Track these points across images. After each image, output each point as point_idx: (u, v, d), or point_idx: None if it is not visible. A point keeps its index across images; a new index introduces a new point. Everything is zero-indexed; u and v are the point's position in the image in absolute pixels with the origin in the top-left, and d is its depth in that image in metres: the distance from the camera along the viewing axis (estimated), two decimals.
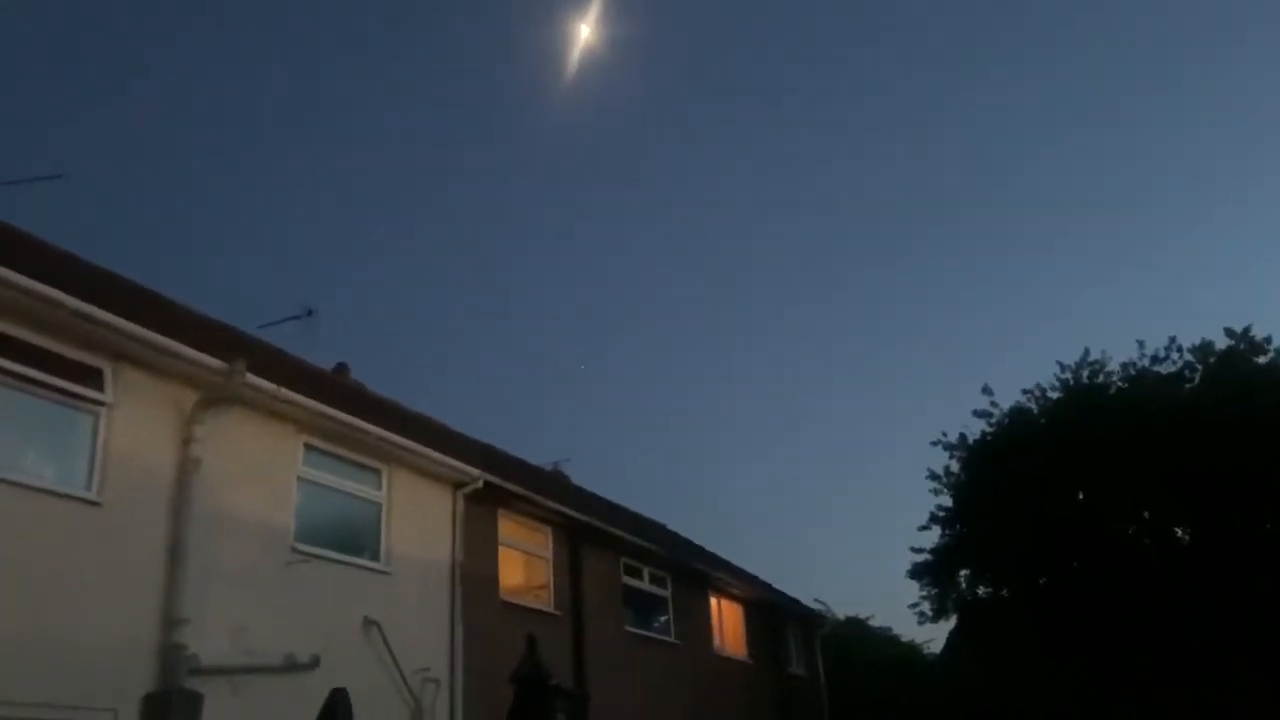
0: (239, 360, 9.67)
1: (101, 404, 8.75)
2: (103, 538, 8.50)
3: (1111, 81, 54.68)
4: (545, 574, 15.28)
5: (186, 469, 9.31)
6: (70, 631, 8.05)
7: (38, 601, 7.90)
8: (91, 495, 8.49)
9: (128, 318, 8.89)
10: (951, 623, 26.75)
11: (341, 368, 18.08)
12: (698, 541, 24.77)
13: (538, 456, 22.07)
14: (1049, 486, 23.07)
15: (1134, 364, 24.03)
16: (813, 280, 65.90)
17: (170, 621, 8.85)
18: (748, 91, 56.18)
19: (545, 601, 15.00)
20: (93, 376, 8.73)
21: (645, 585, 17.93)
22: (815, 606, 28.16)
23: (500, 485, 13.61)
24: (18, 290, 7.97)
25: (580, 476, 22.72)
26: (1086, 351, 24.62)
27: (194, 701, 8.61)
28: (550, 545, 15.36)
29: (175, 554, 9.03)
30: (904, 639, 34.72)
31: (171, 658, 8.73)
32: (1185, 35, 50.48)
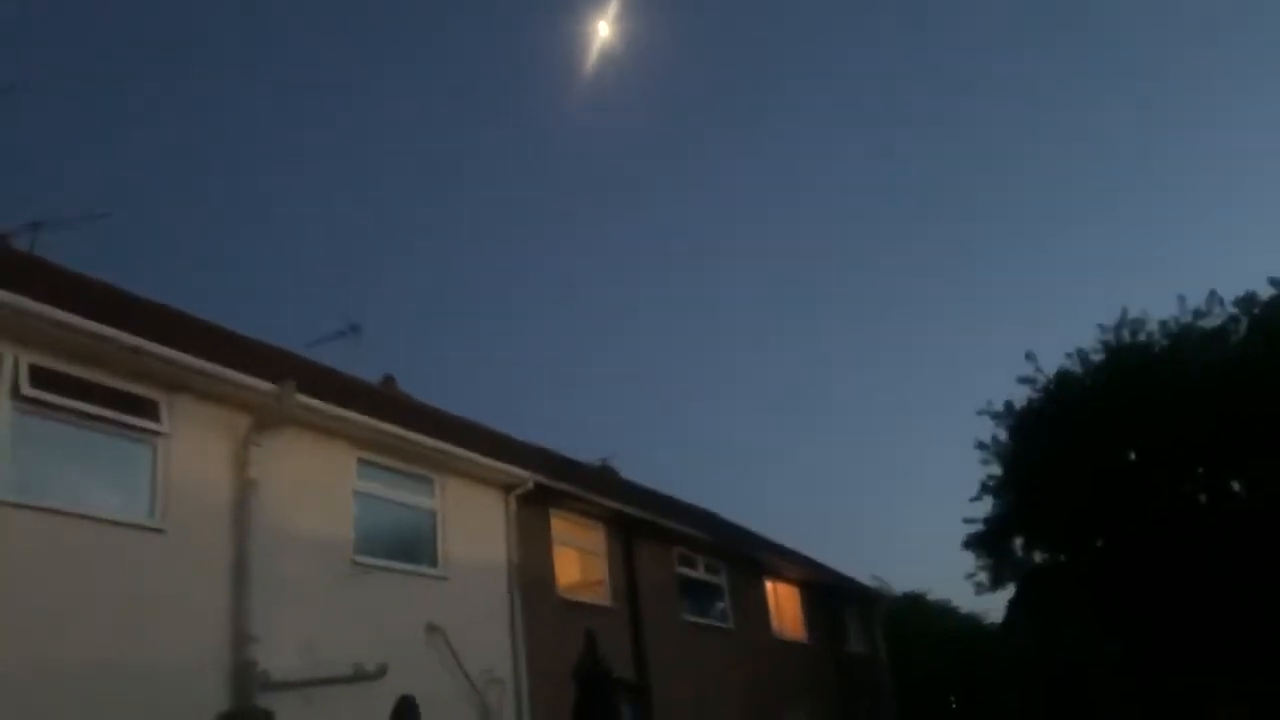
0: (289, 382, 9.80)
1: (159, 434, 8.91)
2: (168, 563, 8.66)
3: (1160, 42, 53.62)
4: (601, 569, 15.35)
5: (245, 490, 9.46)
6: (144, 657, 8.21)
7: (111, 630, 8.06)
8: (155, 523, 8.65)
9: (178, 348, 9.04)
10: (1009, 591, 26.56)
11: (389, 380, 18.30)
12: (751, 528, 24.79)
13: (586, 454, 22.22)
14: (1098, 449, 22.81)
15: (1175, 320, 23.66)
16: (855, 259, 65.45)
17: (240, 640, 9.00)
18: (778, 75, 55.75)
19: (602, 596, 15.08)
20: (149, 408, 8.88)
21: (700, 574, 17.96)
22: (872, 584, 28.08)
23: (550, 485, 13.68)
24: (72, 330, 8.13)
25: (629, 471, 22.84)
26: (1125, 311, 24.29)
27: (265, 719, 8.75)
28: (604, 541, 15.42)
29: (240, 574, 9.18)
30: (963, 611, 34.50)
31: (244, 675, 8.89)
32: None
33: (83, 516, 8.09)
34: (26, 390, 7.93)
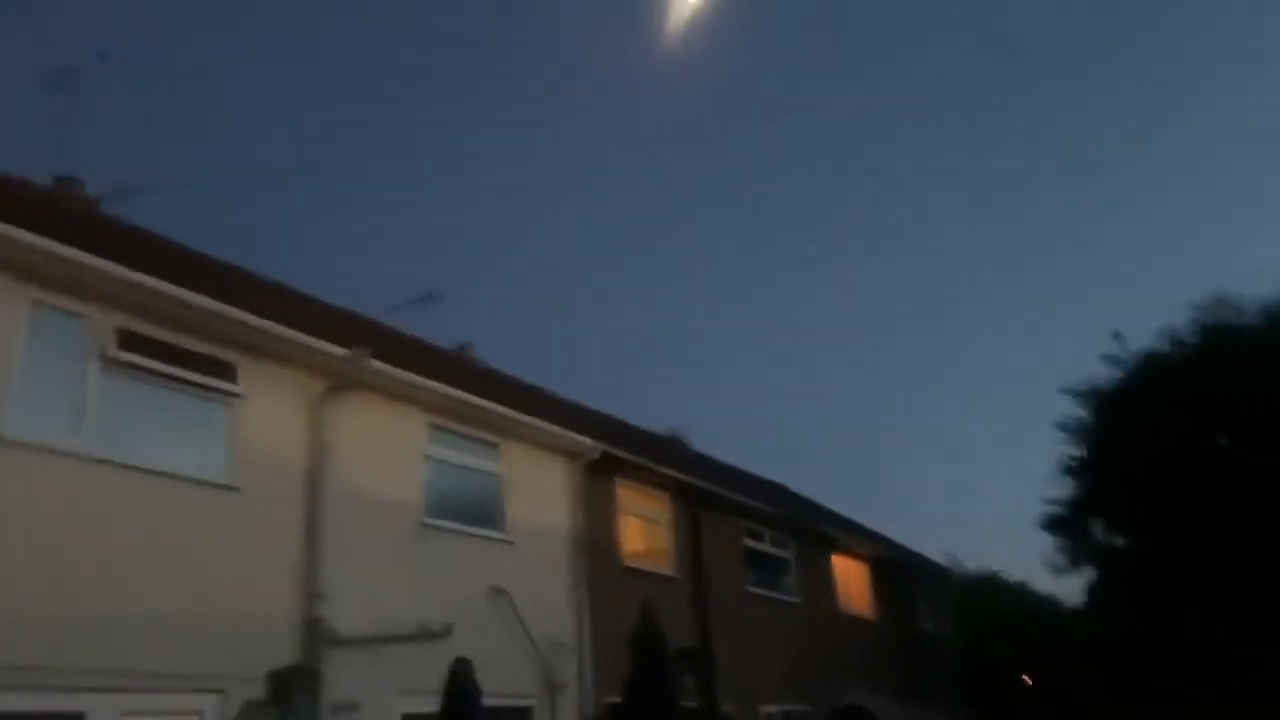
0: (363, 347, 10.07)
1: (235, 395, 9.25)
2: (243, 521, 9.01)
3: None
4: (666, 539, 15.48)
5: (318, 453, 9.78)
6: (217, 609, 8.56)
7: (187, 584, 8.43)
8: (230, 481, 9.00)
9: (255, 312, 9.36)
10: (1086, 575, 26.05)
11: (466, 347, 18.61)
12: (822, 503, 24.73)
13: (660, 423, 22.39)
14: (1188, 432, 22.14)
15: (1273, 301, 22.72)
16: (945, 239, 64.17)
17: (311, 596, 9.34)
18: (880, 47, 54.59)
19: (666, 565, 15.22)
20: (225, 370, 9.22)
21: (767, 547, 18.00)
22: (945, 561, 27.80)
23: (616, 454, 13.83)
24: (156, 294, 8.48)
25: (701, 442, 22.92)
26: (1221, 291, 23.38)
27: (314, 676, 9.03)
28: (669, 511, 15.55)
29: (311, 534, 9.51)
30: (1040, 592, 33.94)
31: (312, 631, 9.23)
32: None
33: (162, 474, 8.46)
34: (113, 353, 8.30)
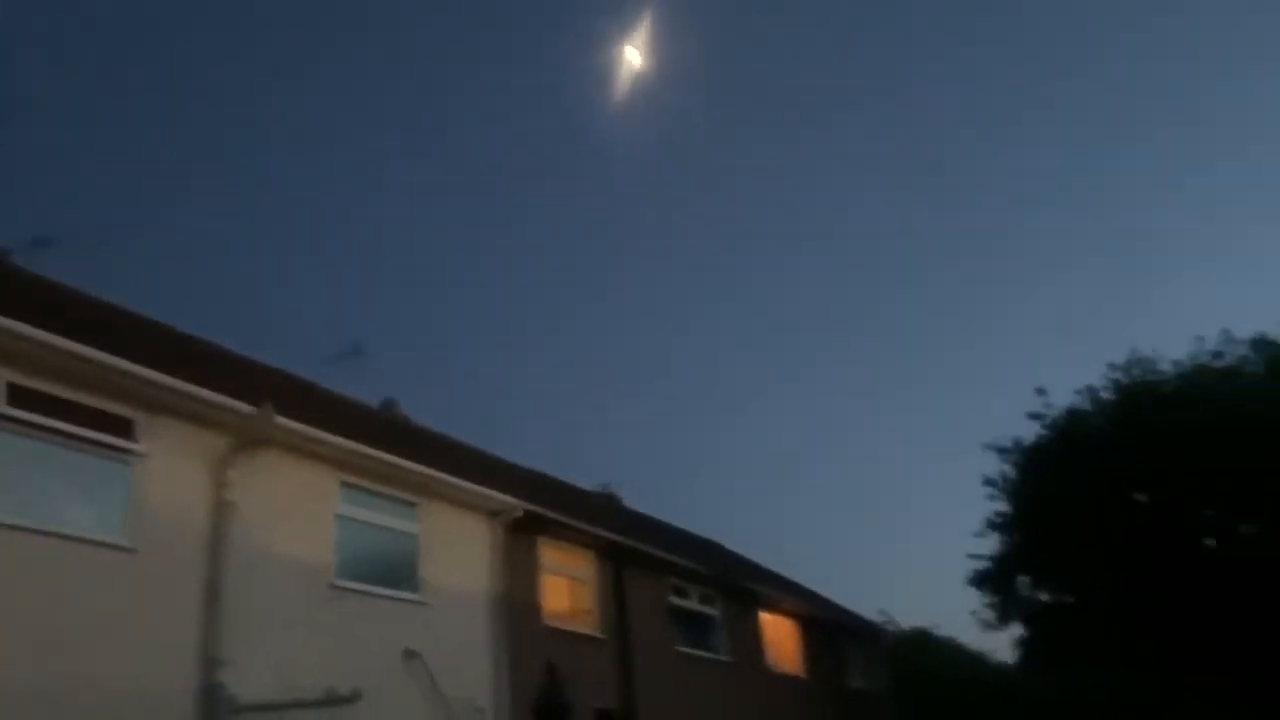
0: (267, 404, 9.88)
1: (135, 453, 9.01)
2: (140, 584, 8.73)
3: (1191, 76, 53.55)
4: (590, 598, 15.31)
5: (221, 512, 9.53)
6: (111, 677, 8.26)
7: (78, 649, 8.12)
8: (127, 542, 8.73)
9: (158, 366, 9.16)
10: (1015, 630, 26.29)
11: (390, 403, 18.40)
12: (754, 559, 24.71)
13: (592, 480, 22.33)
14: (1107, 489, 22.61)
15: (1190, 359, 23.46)
16: (858, 292, 65.42)
17: (210, 662, 9.04)
18: (794, 107, 56.02)
19: (591, 625, 15.03)
20: (124, 427, 8.99)
21: (695, 605, 17.88)
22: (878, 619, 27.85)
23: (539, 512, 13.69)
24: (51, 349, 8.27)
25: (636, 499, 22.86)
26: (1136, 350, 24.11)
27: None
28: (594, 569, 15.39)
29: (212, 595, 9.24)
30: (971, 648, 34.12)
31: (212, 698, 8.93)
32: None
33: (53, 534, 8.18)
34: (3, 409, 8.06)
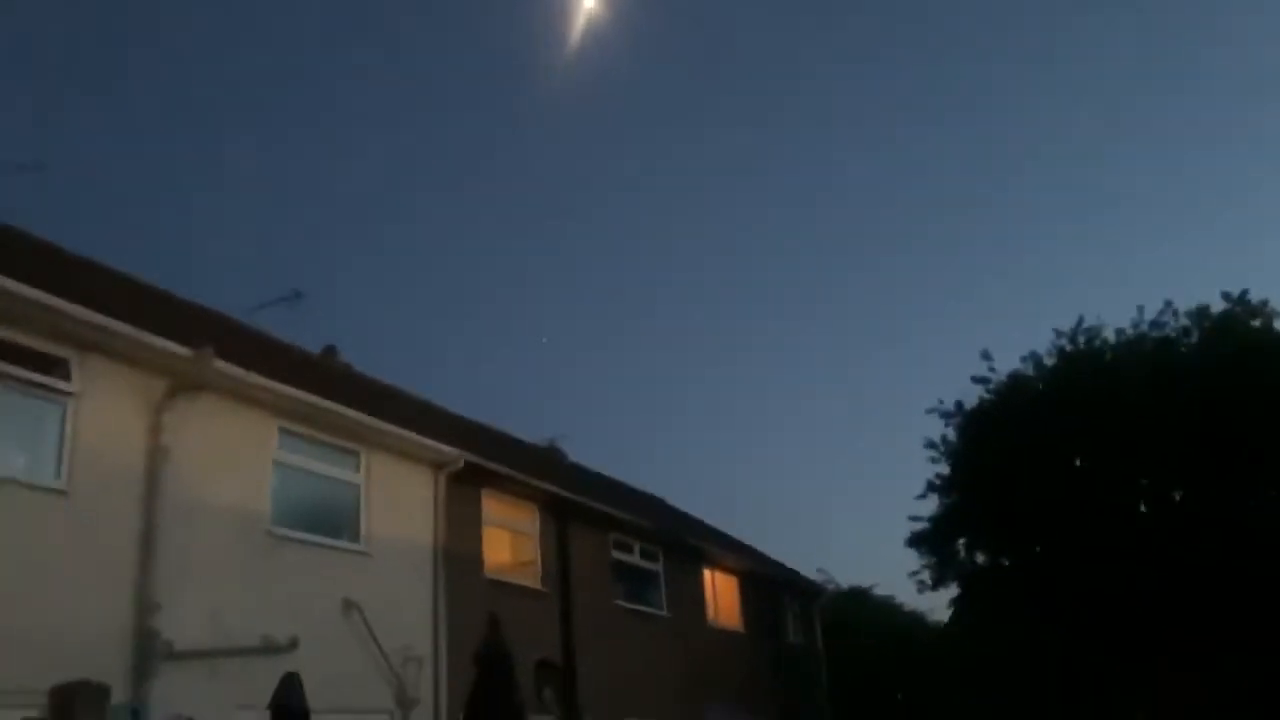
0: (206, 346, 9.74)
1: (69, 394, 8.85)
2: (73, 527, 8.62)
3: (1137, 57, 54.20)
4: (532, 551, 15.41)
5: (156, 456, 9.42)
6: (43, 621, 8.16)
7: (10, 593, 8.02)
8: (60, 485, 8.60)
9: (95, 306, 8.98)
10: (952, 591, 26.88)
11: (330, 350, 18.21)
12: (699, 516, 24.99)
13: (540, 433, 22.40)
14: (1045, 453, 23.07)
15: (1132, 328, 23.94)
16: (813, 251, 65.78)
17: (144, 607, 9.00)
18: (753, 74, 55.83)
19: (532, 578, 15.15)
20: (59, 366, 8.82)
21: (636, 560, 18.08)
22: (816, 577, 28.34)
23: (482, 464, 13.71)
24: None
25: (583, 453, 22.96)
26: (1081, 318, 24.54)
27: (103, 693, 8.64)
28: (537, 522, 15.47)
29: (147, 541, 9.16)
30: (907, 608, 34.85)
31: (146, 643, 8.90)
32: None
33: None
34: None
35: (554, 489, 15.54)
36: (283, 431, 11.05)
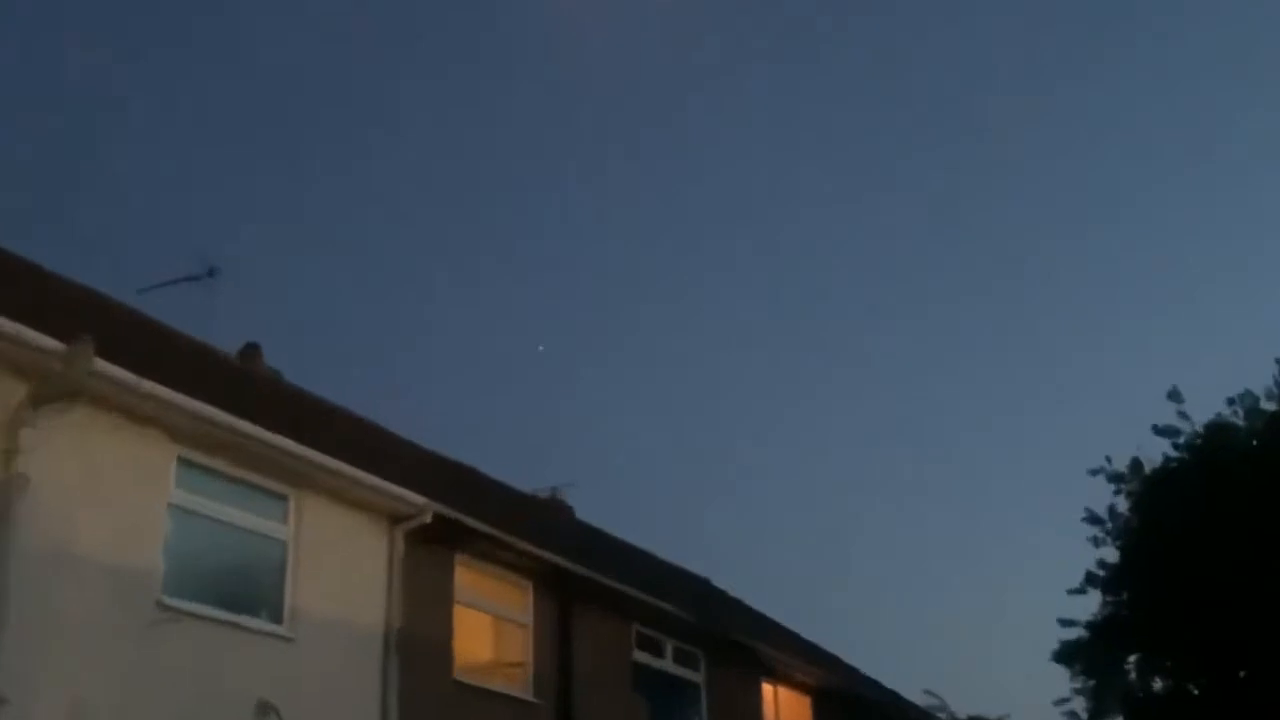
0: (84, 338, 9.88)
1: None
2: None
3: None
4: (523, 645, 15.52)
5: (9, 489, 9.60)
6: None
7: None
8: None
9: None
10: None
11: (252, 350, 18.43)
12: (759, 607, 25.03)
13: (539, 480, 22.49)
14: (1263, 537, 22.87)
15: None
16: (918, 277, 65.42)
17: None
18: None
19: (520, 684, 15.27)
20: None
21: (668, 665, 18.16)
22: (922, 701, 28.24)
23: (456, 519, 13.83)
24: None
25: (596, 510, 23.03)
26: None
27: None
28: (530, 604, 15.59)
29: None
30: None
31: None
32: None
33: None
34: None
35: (555, 558, 15.62)
36: (183, 462, 11.25)
